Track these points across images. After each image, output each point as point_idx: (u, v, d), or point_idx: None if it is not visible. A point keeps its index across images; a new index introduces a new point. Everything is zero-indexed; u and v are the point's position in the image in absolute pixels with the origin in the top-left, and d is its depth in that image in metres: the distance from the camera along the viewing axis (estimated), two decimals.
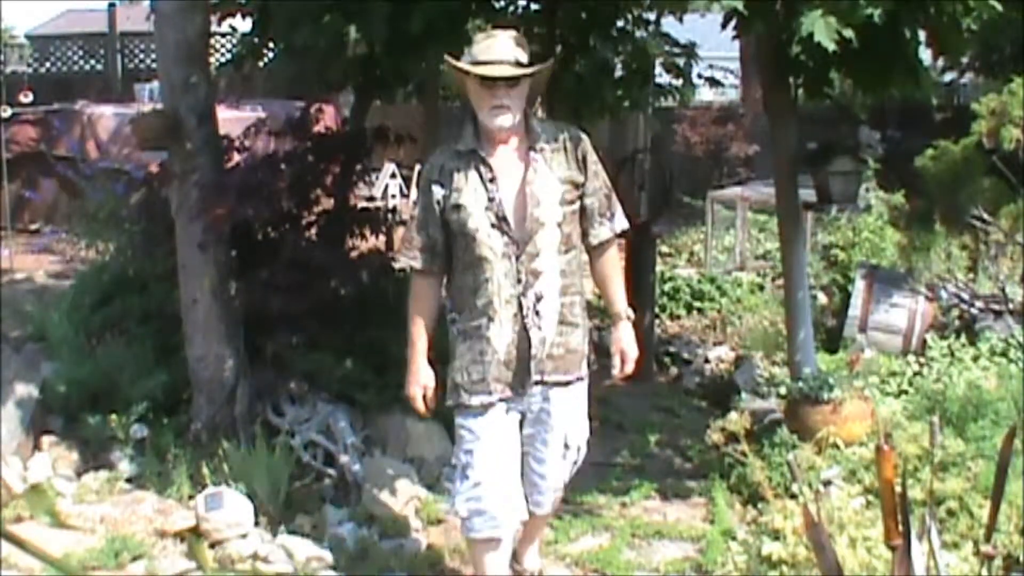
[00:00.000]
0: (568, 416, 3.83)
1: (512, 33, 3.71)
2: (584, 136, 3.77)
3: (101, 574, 4.37)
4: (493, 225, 3.61)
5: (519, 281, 3.62)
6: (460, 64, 3.63)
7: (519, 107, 3.62)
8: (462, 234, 3.63)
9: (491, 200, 3.61)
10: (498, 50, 3.59)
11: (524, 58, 3.62)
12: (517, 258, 3.62)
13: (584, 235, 3.79)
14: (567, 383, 3.77)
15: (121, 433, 5.33)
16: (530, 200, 3.62)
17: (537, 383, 3.71)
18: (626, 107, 6.84)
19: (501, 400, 3.70)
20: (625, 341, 3.83)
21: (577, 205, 3.72)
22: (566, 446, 3.87)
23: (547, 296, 3.65)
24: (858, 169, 6.06)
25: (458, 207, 3.62)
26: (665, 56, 6.49)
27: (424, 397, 3.76)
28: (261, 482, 4.89)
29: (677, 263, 10.08)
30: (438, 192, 3.66)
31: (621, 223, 3.85)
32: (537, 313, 3.65)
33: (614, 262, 3.92)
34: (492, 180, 3.62)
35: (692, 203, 11.38)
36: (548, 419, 3.80)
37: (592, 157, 3.76)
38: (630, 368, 3.81)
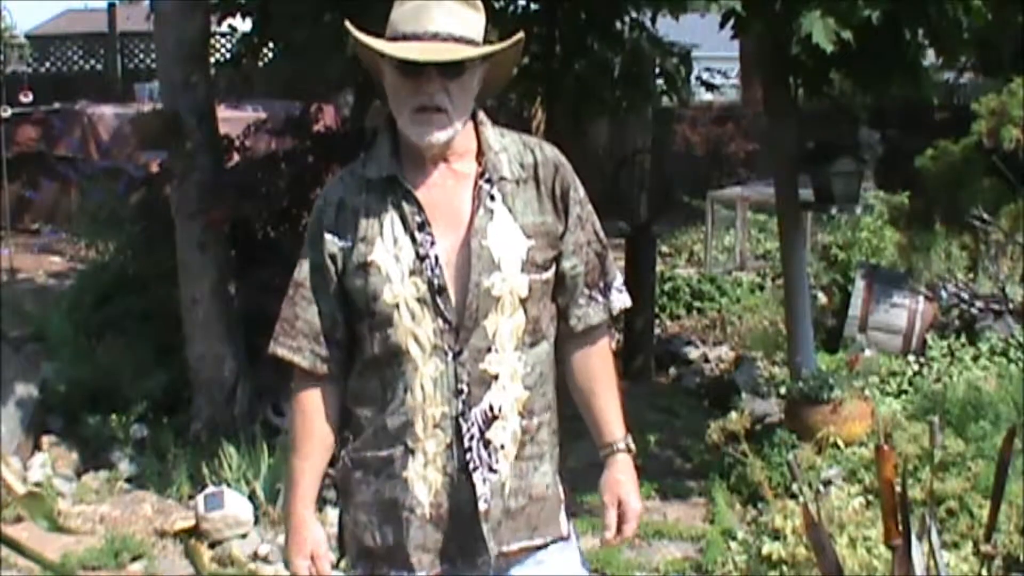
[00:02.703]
0: None
1: None
2: (564, 160, 2.40)
3: (101, 574, 4.37)
4: (422, 300, 2.26)
5: (458, 393, 2.26)
6: (366, 39, 2.33)
7: (462, 111, 2.27)
8: (370, 312, 2.28)
9: (421, 258, 2.26)
10: (431, 18, 2.26)
11: (474, 32, 2.28)
12: (456, 355, 2.26)
13: (561, 316, 2.40)
14: (538, 548, 2.36)
15: (121, 433, 5.33)
16: (478, 261, 2.26)
17: (493, 556, 2.30)
18: (625, 107, 6.84)
19: None
20: (624, 486, 2.42)
21: (552, 271, 2.35)
22: None
23: (502, 416, 2.30)
24: (859, 169, 6.06)
25: (365, 267, 2.28)
26: (661, 59, 6.48)
27: (315, 569, 2.38)
28: (261, 482, 4.89)
29: (677, 263, 10.07)
30: (334, 244, 2.32)
31: (620, 300, 2.45)
32: (486, 444, 2.28)
33: (606, 361, 2.47)
34: (422, 226, 2.27)
35: (692, 203, 11.38)
36: None
37: (577, 195, 2.39)
38: (631, 529, 2.43)
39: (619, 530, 2.40)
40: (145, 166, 7.89)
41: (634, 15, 6.12)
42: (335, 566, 2.46)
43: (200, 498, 4.67)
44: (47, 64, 14.26)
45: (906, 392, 5.98)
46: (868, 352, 6.45)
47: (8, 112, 8.69)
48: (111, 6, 14.52)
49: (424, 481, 2.28)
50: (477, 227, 2.27)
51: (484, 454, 2.28)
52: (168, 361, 5.63)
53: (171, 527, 4.67)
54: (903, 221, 6.01)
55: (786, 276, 5.68)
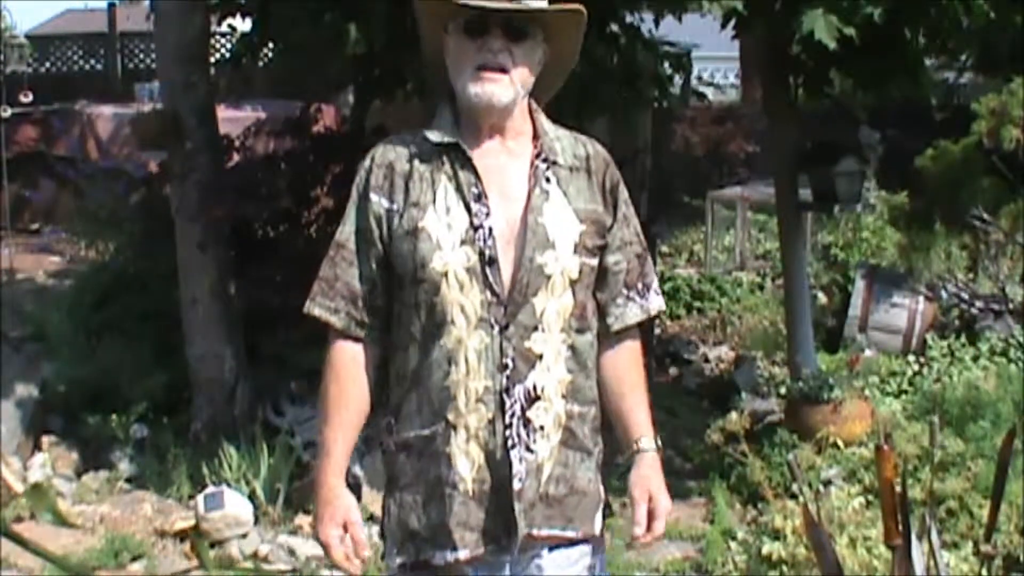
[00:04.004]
0: None
1: None
2: (611, 160, 2.44)
3: (101, 574, 4.37)
4: (471, 271, 2.23)
5: (502, 368, 2.23)
6: None
7: (523, 77, 2.27)
8: (416, 279, 2.25)
9: (475, 228, 2.24)
10: None
11: (541, 4, 2.30)
12: (503, 329, 2.24)
13: (599, 314, 2.39)
14: (569, 543, 2.33)
15: (121, 433, 5.34)
16: (533, 237, 2.26)
17: (520, 535, 2.27)
18: (625, 108, 6.83)
19: (473, 560, 2.28)
20: (654, 483, 2.36)
21: (597, 260, 2.35)
22: None
23: (545, 396, 2.27)
24: (862, 169, 6.06)
25: (414, 233, 2.25)
26: (654, 64, 6.47)
27: (347, 541, 2.30)
28: (261, 482, 4.90)
29: (677, 263, 10.06)
30: (380, 206, 2.29)
31: (657, 302, 2.46)
32: (526, 423, 2.26)
33: (638, 361, 2.45)
34: (480, 197, 2.26)
35: (692, 203, 11.38)
36: None
37: (624, 194, 2.42)
38: (660, 527, 2.36)
39: (649, 527, 2.35)
40: (145, 166, 7.88)
41: (628, 19, 6.12)
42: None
43: (200, 498, 4.67)
44: (47, 64, 14.25)
45: (906, 392, 5.98)
46: (868, 352, 6.45)
47: (8, 112, 8.68)
48: (111, 6, 14.51)
49: (467, 456, 2.25)
50: (534, 204, 2.27)
51: (523, 433, 2.25)
52: (168, 361, 5.63)
53: (171, 527, 4.67)
54: (903, 221, 6.01)
55: (786, 276, 5.68)
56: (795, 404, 5.37)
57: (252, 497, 4.79)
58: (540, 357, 2.26)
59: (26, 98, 9.51)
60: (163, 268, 5.80)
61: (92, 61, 14.51)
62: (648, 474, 2.37)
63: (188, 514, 4.70)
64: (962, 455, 4.73)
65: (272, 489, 4.90)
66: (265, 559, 4.52)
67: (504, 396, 2.24)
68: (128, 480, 5.19)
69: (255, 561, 4.50)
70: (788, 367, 5.85)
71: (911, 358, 6.37)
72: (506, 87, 2.25)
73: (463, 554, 2.26)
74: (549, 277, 2.26)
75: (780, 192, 5.64)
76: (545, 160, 2.32)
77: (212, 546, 4.53)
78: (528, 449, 2.26)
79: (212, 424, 5.34)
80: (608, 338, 2.40)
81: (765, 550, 4.17)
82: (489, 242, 2.24)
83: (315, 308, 2.35)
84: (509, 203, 2.28)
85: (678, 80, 6.98)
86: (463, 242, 2.24)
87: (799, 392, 5.34)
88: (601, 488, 2.39)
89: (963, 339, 6.44)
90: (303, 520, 4.84)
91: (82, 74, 14.23)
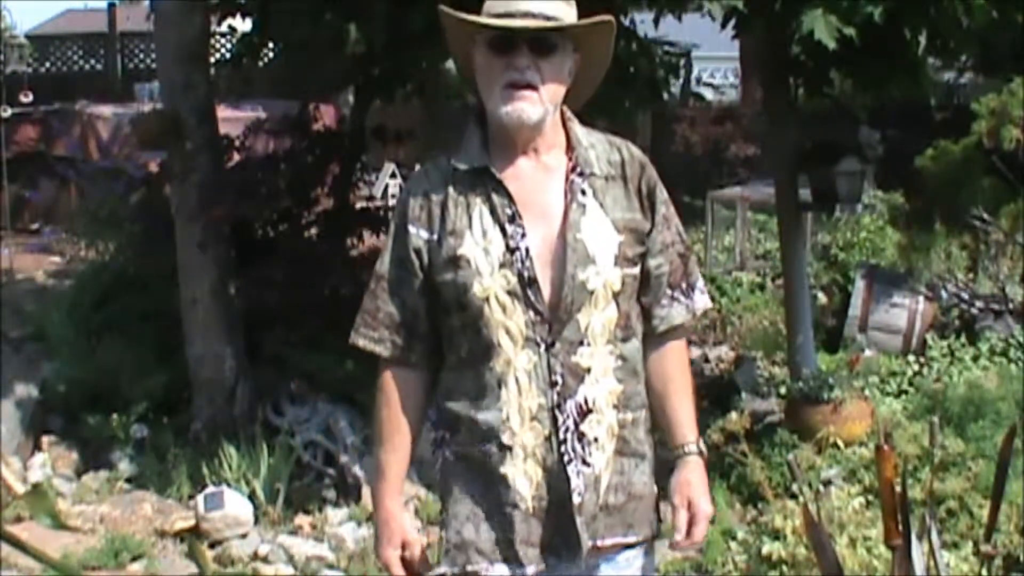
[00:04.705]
0: None
1: None
2: (647, 161, 2.44)
3: (101, 574, 4.37)
4: (512, 292, 2.26)
5: (552, 384, 2.27)
6: (463, 15, 2.30)
7: (553, 92, 2.26)
8: (460, 306, 2.29)
9: (511, 251, 2.27)
10: (524, 3, 2.25)
11: (568, 16, 2.29)
12: (549, 347, 2.27)
13: (644, 316, 2.40)
14: (630, 546, 2.38)
15: (121, 433, 5.34)
16: (573, 254, 2.27)
17: (585, 549, 2.31)
18: (621, 111, 6.83)
19: (537, 575, 2.32)
20: (696, 488, 2.38)
21: (639, 267, 2.36)
22: None
23: (597, 409, 2.30)
24: (863, 169, 6.06)
25: (455, 261, 2.28)
26: (649, 66, 6.46)
27: (407, 562, 2.36)
28: (261, 482, 4.90)
29: None
30: (419, 237, 2.32)
31: (703, 301, 2.47)
32: (580, 437, 2.29)
33: (683, 362, 2.48)
34: (514, 219, 2.28)
35: (692, 203, 11.37)
36: None
37: (662, 194, 2.42)
38: (701, 533, 2.36)
39: (689, 533, 2.35)
40: (145, 166, 7.89)
41: (625, 22, 6.11)
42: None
43: (200, 498, 4.67)
44: (47, 64, 14.25)
45: (906, 392, 5.98)
46: (868, 352, 6.45)
47: (8, 112, 8.68)
48: (111, 6, 14.52)
49: (525, 476, 2.29)
50: (571, 220, 2.28)
51: (578, 447, 2.29)
52: (168, 361, 5.64)
53: (171, 527, 4.68)
54: (903, 221, 6.02)
55: (786, 276, 5.68)
56: (795, 404, 5.37)
57: (252, 497, 4.80)
58: (588, 371, 2.29)
59: (26, 98, 9.52)
60: (163, 268, 5.80)
61: (92, 61, 14.51)
62: (690, 479, 2.39)
63: (188, 514, 4.71)
64: (962, 455, 4.73)
65: (272, 489, 4.91)
66: (265, 559, 4.52)
67: (557, 412, 2.27)
68: (128, 480, 5.19)
69: (255, 561, 4.50)
70: (788, 367, 5.85)
71: (911, 358, 6.37)
72: (535, 104, 2.25)
73: (530, 570, 2.30)
74: (592, 292, 2.28)
75: (780, 192, 5.64)
76: (581, 173, 2.32)
77: (212, 546, 4.53)
78: (584, 463, 2.29)
79: (212, 424, 5.34)
80: (654, 339, 2.41)
81: (765, 550, 4.17)
82: (527, 263, 2.26)
83: (359, 339, 2.39)
84: (547, 221, 2.29)
85: (675, 82, 6.98)
86: (502, 265, 2.26)
87: (799, 392, 5.34)
88: (655, 488, 2.42)
89: (963, 339, 6.44)
90: (303, 520, 4.84)
91: (82, 74, 14.23)
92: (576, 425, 2.28)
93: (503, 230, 2.27)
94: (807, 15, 4.31)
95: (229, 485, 4.81)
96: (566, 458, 2.28)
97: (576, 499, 2.27)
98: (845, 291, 7.23)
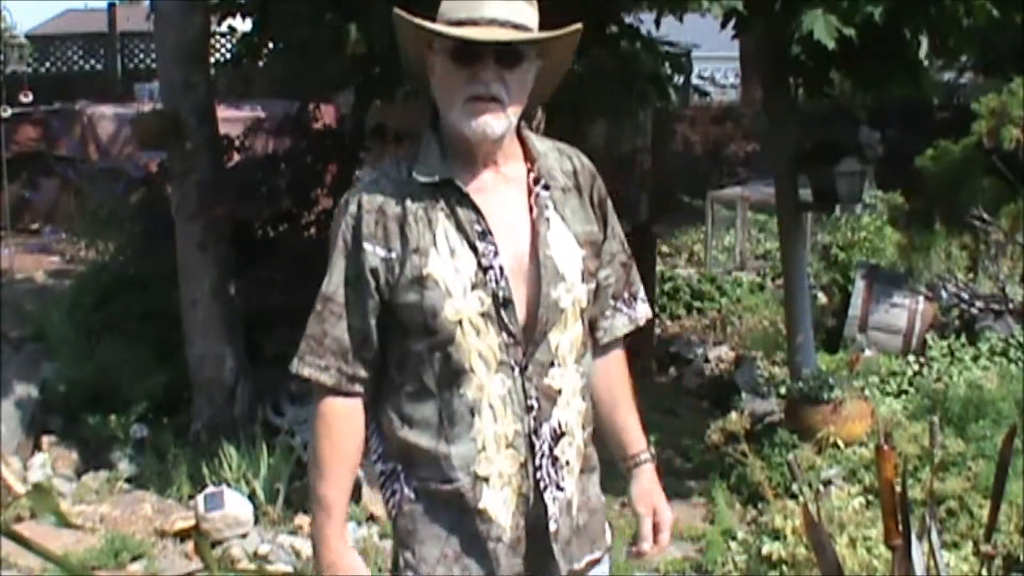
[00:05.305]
0: None
1: None
2: (595, 169, 2.33)
3: (101, 574, 4.37)
4: (486, 314, 2.12)
5: (528, 409, 2.16)
6: (423, 23, 2.12)
7: (517, 105, 2.13)
8: (427, 330, 2.12)
9: (484, 270, 2.12)
10: (486, 4, 2.10)
11: (531, 23, 2.14)
12: (523, 370, 2.15)
13: (589, 327, 2.30)
14: (597, 560, 2.33)
15: (121, 433, 5.34)
16: (546, 272, 2.15)
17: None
18: (622, 110, 6.83)
19: None
20: (657, 496, 2.38)
21: (595, 282, 2.27)
22: None
23: (568, 431, 2.21)
24: (863, 169, 6.06)
25: (421, 282, 2.10)
26: (653, 64, 6.46)
27: None
28: (261, 482, 4.90)
29: (677, 263, 10.07)
30: (375, 255, 2.13)
31: (644, 311, 2.40)
32: (554, 461, 2.19)
33: (626, 371, 2.42)
34: (484, 235, 2.13)
35: (692, 203, 11.38)
36: None
37: (609, 203, 2.32)
38: (666, 539, 2.38)
39: (655, 540, 2.35)
40: (145, 166, 7.89)
41: (628, 20, 6.11)
42: None
43: (200, 498, 4.67)
44: (47, 64, 14.25)
45: (906, 392, 5.98)
46: (868, 352, 6.45)
47: (8, 112, 8.68)
48: (111, 6, 14.52)
49: (504, 506, 2.16)
50: (541, 236, 2.15)
51: (552, 472, 2.19)
52: (168, 361, 5.64)
53: (171, 527, 4.68)
54: (903, 221, 6.02)
55: (786, 276, 5.68)
56: (795, 404, 5.37)
57: (252, 497, 4.79)
58: (559, 392, 2.18)
59: (26, 98, 9.52)
60: (163, 268, 5.80)
61: (92, 61, 14.51)
62: (650, 487, 2.37)
63: (188, 514, 4.71)
64: (962, 455, 4.72)
65: (272, 489, 4.90)
66: (265, 559, 4.52)
67: (534, 438, 2.16)
68: (128, 480, 5.19)
69: (255, 561, 4.50)
70: (788, 367, 5.85)
71: (911, 358, 6.37)
72: (500, 119, 2.10)
73: None
74: (563, 311, 2.17)
75: (780, 192, 5.64)
76: (546, 186, 2.20)
77: (212, 546, 4.53)
78: (558, 487, 2.20)
79: (212, 424, 5.34)
80: (598, 351, 2.34)
81: (765, 550, 4.17)
82: (502, 283, 2.11)
83: (304, 368, 2.18)
84: (515, 237, 2.15)
85: (678, 80, 6.97)
86: (474, 286, 2.10)
87: (799, 392, 5.34)
88: (603, 497, 2.37)
89: (963, 339, 6.44)
90: (303, 520, 4.84)
91: (82, 74, 14.23)
92: (551, 450, 2.18)
93: (473, 247, 2.11)
94: (807, 15, 4.31)
95: (229, 485, 4.81)
96: (542, 484, 2.17)
97: (552, 526, 2.18)
98: (845, 291, 7.23)
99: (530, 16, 2.14)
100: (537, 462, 2.16)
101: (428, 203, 2.13)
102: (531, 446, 2.15)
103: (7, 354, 5.87)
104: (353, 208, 2.15)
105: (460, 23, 2.08)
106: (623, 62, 6.10)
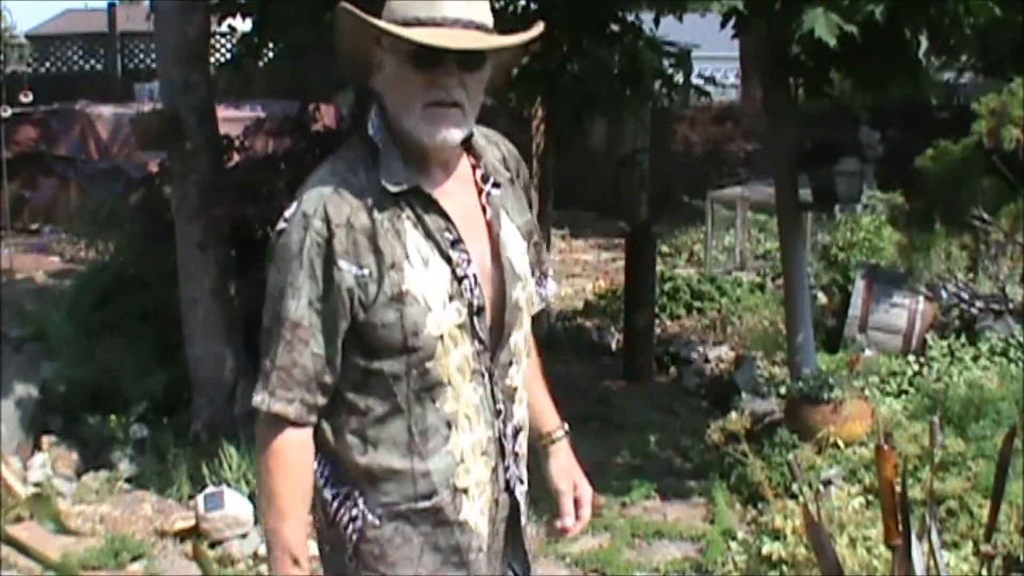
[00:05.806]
0: None
1: None
2: (518, 152, 2.28)
3: (101, 574, 4.37)
4: (462, 325, 2.04)
5: (497, 413, 2.11)
6: (384, 24, 1.98)
7: (475, 107, 2.05)
8: (407, 348, 2.01)
9: (459, 280, 2.03)
10: (445, 3, 1.96)
11: (489, 20, 2.03)
12: (492, 375, 2.10)
13: None
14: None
15: (121, 433, 5.34)
16: (509, 275, 2.10)
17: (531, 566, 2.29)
18: (623, 108, 6.83)
19: None
20: (577, 471, 2.36)
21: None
22: None
23: (523, 427, 2.20)
24: (863, 169, 6.06)
25: (400, 299, 1.99)
26: (657, 61, 6.47)
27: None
28: None
29: (677, 263, 10.07)
30: (349, 273, 1.98)
31: (553, 288, 2.34)
32: (516, 458, 2.18)
33: (535, 351, 2.33)
34: (456, 244, 2.04)
35: (692, 203, 11.38)
36: None
37: (530, 184, 2.29)
38: (588, 514, 2.36)
39: (577, 515, 2.33)
40: (145, 166, 7.89)
41: (630, 18, 6.12)
42: None
43: (200, 498, 4.67)
44: (47, 64, 14.26)
45: (906, 392, 5.98)
46: (868, 352, 6.45)
47: (8, 112, 8.68)
48: (111, 6, 14.54)
49: (482, 514, 2.11)
50: (499, 237, 2.09)
51: (516, 468, 2.16)
52: (168, 361, 5.64)
53: (171, 527, 4.67)
54: (903, 221, 6.01)
55: (786, 276, 5.68)
56: (795, 404, 5.37)
57: (252, 497, 4.79)
58: (516, 390, 2.15)
59: (26, 98, 9.52)
60: (163, 268, 5.80)
61: (92, 61, 14.53)
62: (568, 464, 2.34)
63: (188, 514, 4.70)
64: (962, 455, 4.72)
65: None
66: (265, 559, 4.52)
67: (503, 440, 2.12)
68: (128, 480, 5.19)
69: (255, 561, 4.49)
70: (788, 367, 5.85)
71: (911, 358, 6.37)
72: (461, 124, 2.00)
73: None
74: (521, 310, 2.12)
75: (780, 192, 5.64)
76: (496, 184, 2.11)
77: (212, 546, 4.52)
78: (521, 482, 2.19)
79: (212, 424, 5.34)
80: None
81: (765, 550, 4.17)
82: (476, 291, 2.03)
83: (276, 404, 2.02)
84: (479, 240, 2.07)
85: (678, 79, 6.98)
86: (451, 297, 2.01)
87: (799, 392, 5.34)
88: None
89: (963, 339, 6.44)
90: None
91: (82, 74, 14.25)
92: (514, 447, 2.15)
93: (446, 257, 2.01)
94: (808, 13, 4.31)
95: (229, 485, 4.81)
96: (511, 483, 2.15)
97: (523, 520, 2.18)
98: (845, 291, 7.23)
99: (487, 11, 2.02)
100: (506, 463, 2.14)
101: (393, 212, 2.00)
102: (501, 449, 2.12)
103: (7, 354, 5.87)
104: (318, 223, 1.98)
105: (419, 23, 1.95)
106: (627, 59, 6.11)
